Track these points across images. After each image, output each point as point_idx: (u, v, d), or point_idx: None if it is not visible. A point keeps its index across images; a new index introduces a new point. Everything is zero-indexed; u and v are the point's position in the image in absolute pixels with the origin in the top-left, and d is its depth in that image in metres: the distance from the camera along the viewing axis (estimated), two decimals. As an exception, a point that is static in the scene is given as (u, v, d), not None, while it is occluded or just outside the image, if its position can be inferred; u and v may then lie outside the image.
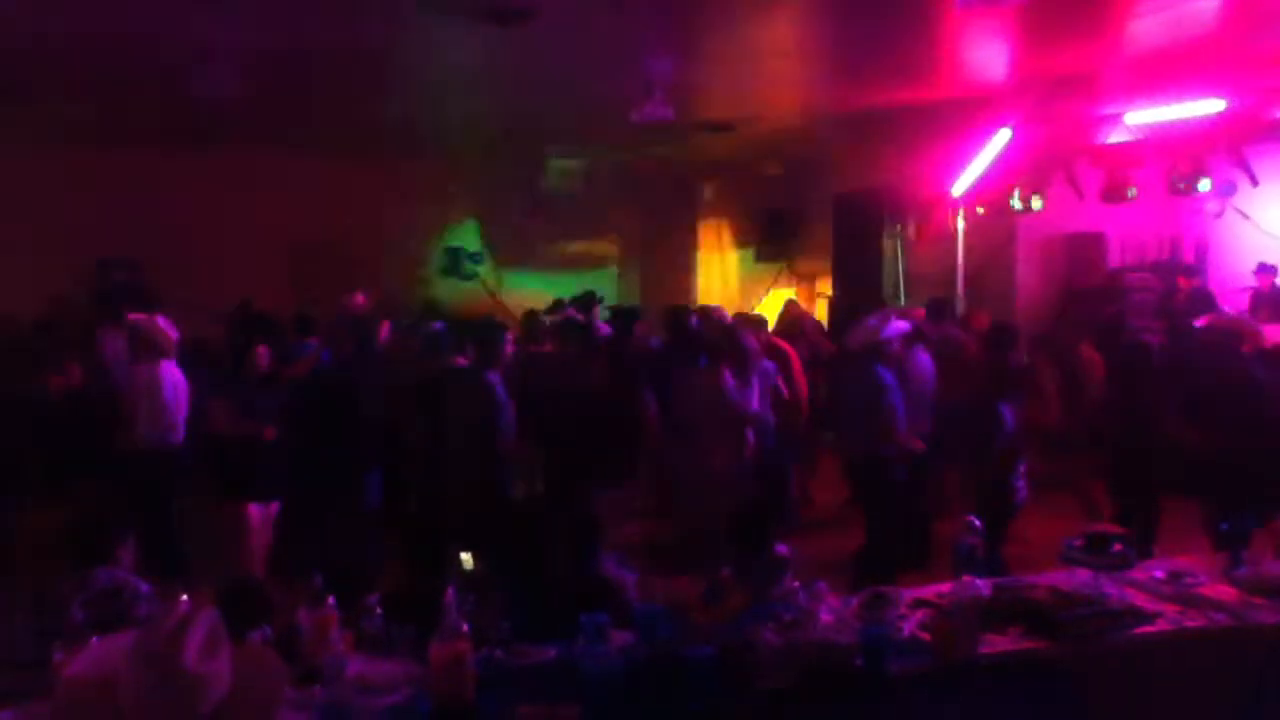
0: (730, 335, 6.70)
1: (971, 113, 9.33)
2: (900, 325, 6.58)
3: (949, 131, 9.91)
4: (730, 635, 3.26)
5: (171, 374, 6.29)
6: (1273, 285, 9.88)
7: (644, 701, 2.98)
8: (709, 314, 8.12)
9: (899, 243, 11.70)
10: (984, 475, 5.83)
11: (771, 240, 13.62)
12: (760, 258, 13.72)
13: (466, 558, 5.09)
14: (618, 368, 7.22)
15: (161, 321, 6.39)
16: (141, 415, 6.06)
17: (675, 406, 6.65)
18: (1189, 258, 10.80)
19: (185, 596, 2.86)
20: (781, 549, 3.58)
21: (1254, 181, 9.02)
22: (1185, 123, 8.49)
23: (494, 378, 5.95)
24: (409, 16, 6.28)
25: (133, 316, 6.58)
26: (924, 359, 7.06)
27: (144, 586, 3.09)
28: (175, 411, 6.23)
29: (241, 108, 7.71)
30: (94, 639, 2.71)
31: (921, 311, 8.16)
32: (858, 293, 11.13)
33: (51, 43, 6.72)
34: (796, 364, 7.50)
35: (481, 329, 6.33)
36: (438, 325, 8.01)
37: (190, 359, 6.80)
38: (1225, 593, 3.81)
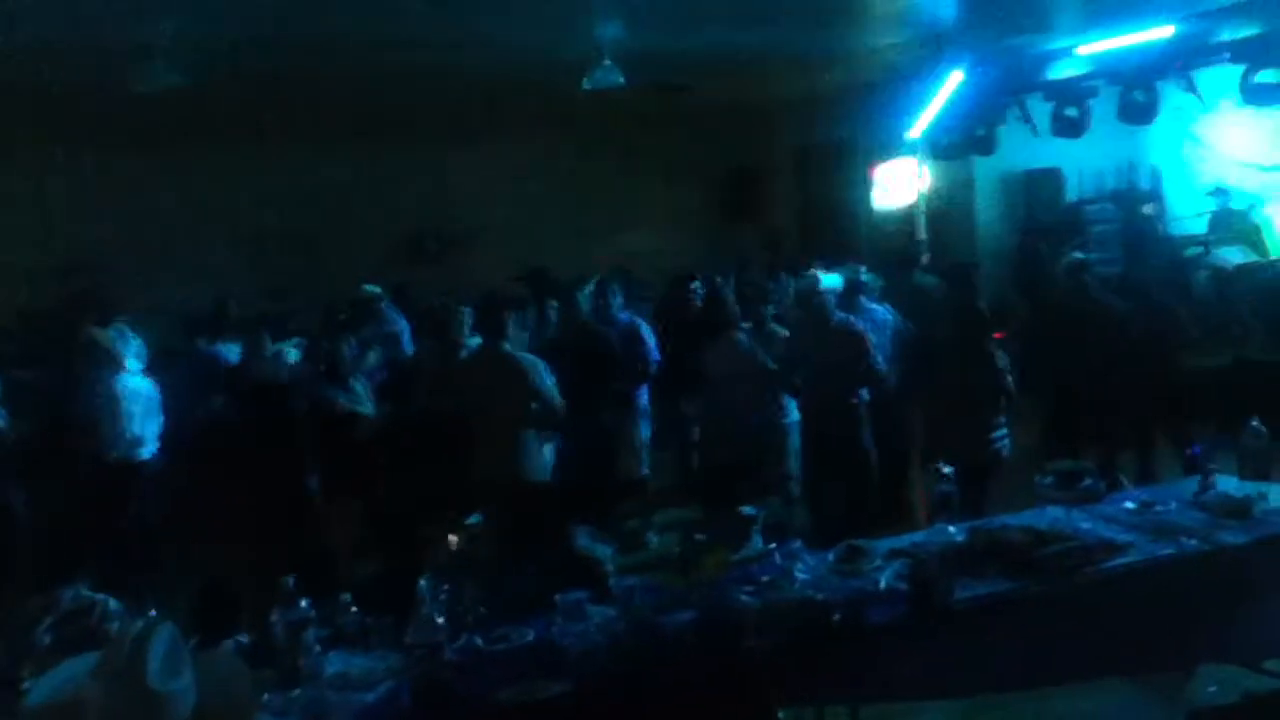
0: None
1: (925, 55, 9.30)
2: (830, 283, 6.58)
3: (904, 76, 9.89)
4: (708, 600, 3.27)
5: (134, 385, 6.13)
6: (1227, 207, 9.95)
7: (626, 675, 2.98)
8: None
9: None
10: (965, 425, 5.57)
11: (734, 198, 13.56)
12: (723, 216, 13.65)
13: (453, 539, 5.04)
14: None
15: (122, 330, 6.25)
16: (104, 429, 5.94)
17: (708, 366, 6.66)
18: (1146, 185, 10.85)
19: (153, 611, 2.82)
20: (749, 509, 3.58)
21: (1203, 103, 9.05)
22: (1136, 50, 8.49)
23: (512, 352, 5.64)
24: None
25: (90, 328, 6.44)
26: (875, 310, 7.07)
27: (113, 603, 3.05)
28: (140, 425, 6.08)
29: (193, 101, 7.56)
30: (61, 662, 2.67)
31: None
32: (823, 246, 11.10)
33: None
34: None
35: (487, 303, 6.10)
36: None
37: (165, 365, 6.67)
38: (1195, 518, 3.86)
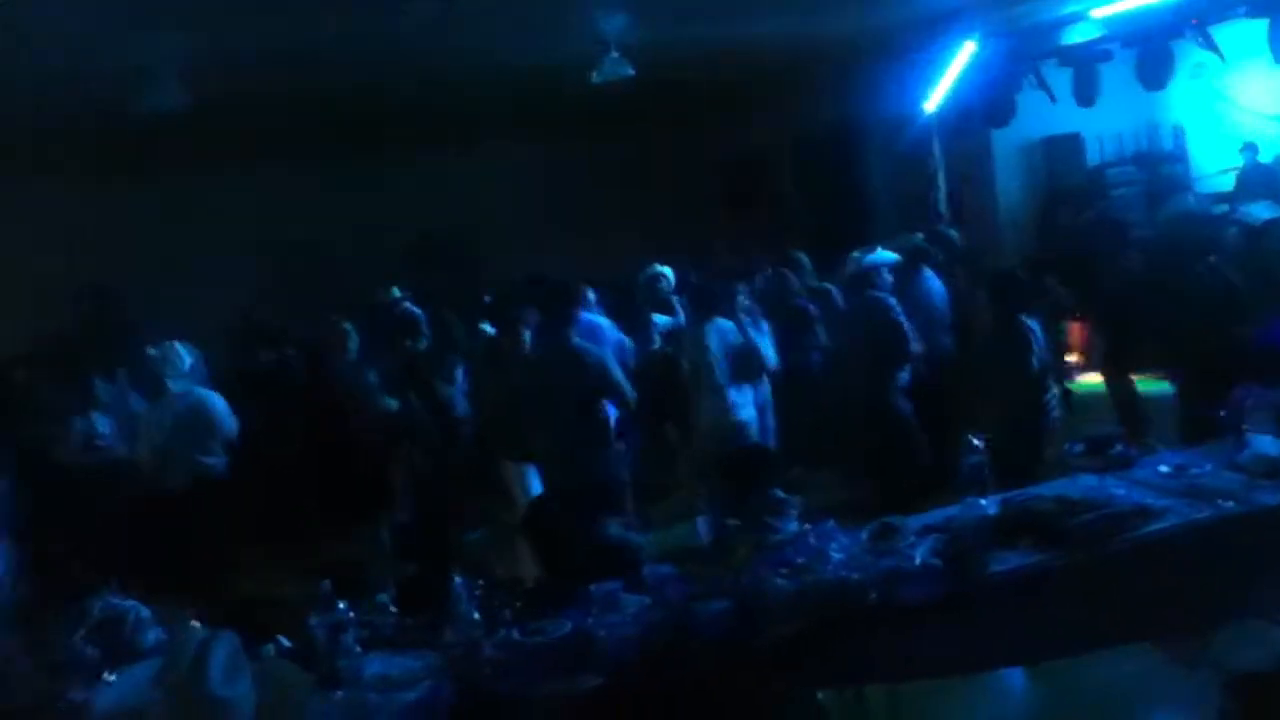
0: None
1: (936, 29, 9.22)
2: (886, 254, 6.55)
3: (916, 50, 9.81)
4: (742, 586, 3.27)
5: (182, 406, 5.88)
6: (1255, 163, 9.80)
7: (662, 664, 2.99)
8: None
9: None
10: (1015, 396, 5.52)
11: (737, 189, 13.46)
12: (727, 207, 13.53)
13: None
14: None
15: (167, 348, 6.00)
16: (146, 456, 5.85)
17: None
18: (1168, 146, 10.71)
19: (196, 621, 2.86)
20: (780, 492, 3.58)
21: (1222, 59, 8.92)
22: (1149, 11, 8.37)
23: (575, 340, 5.47)
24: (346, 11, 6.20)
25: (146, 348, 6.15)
26: (932, 279, 7.02)
27: (144, 611, 3.09)
28: (193, 445, 5.83)
29: (198, 120, 7.61)
30: (109, 674, 2.72)
31: None
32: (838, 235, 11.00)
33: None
34: None
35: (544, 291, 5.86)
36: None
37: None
38: (1231, 479, 3.81)
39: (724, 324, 6.11)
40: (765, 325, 6.48)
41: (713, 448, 5.77)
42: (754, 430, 6.10)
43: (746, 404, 6.09)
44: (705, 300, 6.33)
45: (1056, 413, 5.65)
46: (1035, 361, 5.43)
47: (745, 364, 6.09)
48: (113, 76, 6.57)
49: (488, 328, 7.26)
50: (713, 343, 6.01)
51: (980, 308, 6.50)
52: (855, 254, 6.61)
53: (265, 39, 6.64)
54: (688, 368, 6.25)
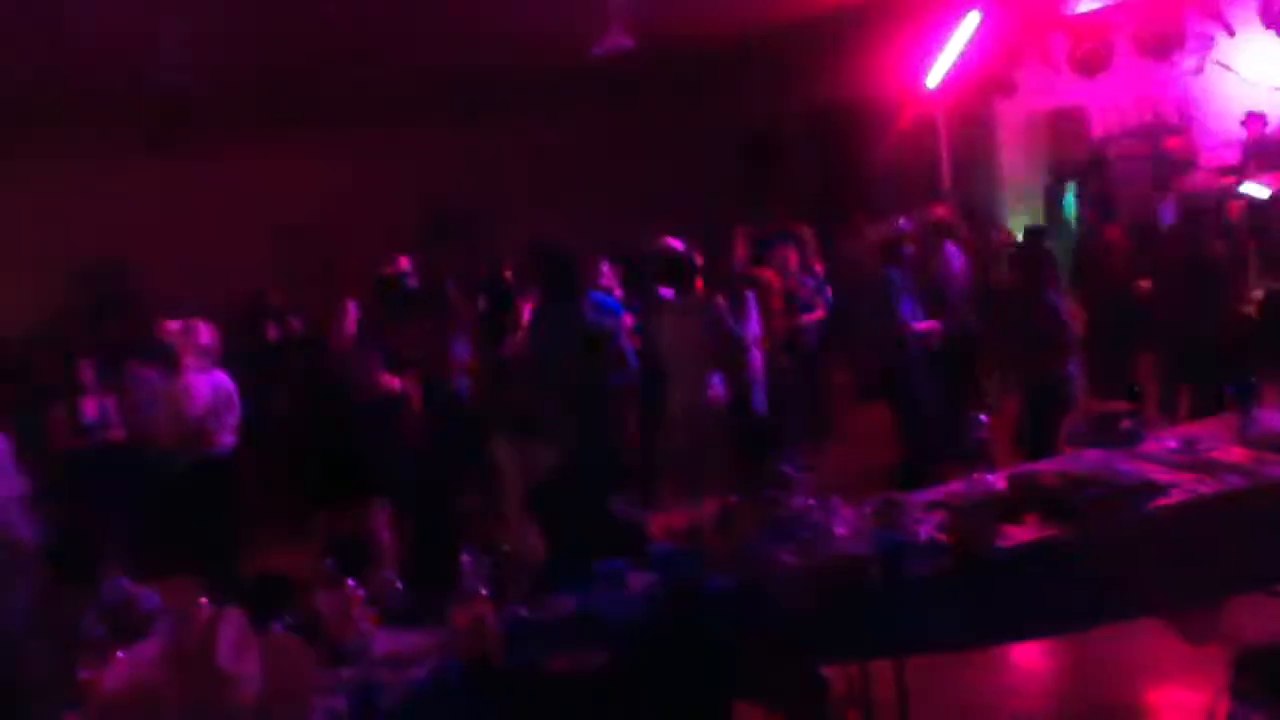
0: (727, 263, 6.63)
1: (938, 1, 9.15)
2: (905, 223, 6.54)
3: (918, 24, 9.71)
4: (747, 562, 3.27)
5: (202, 383, 5.96)
6: (1262, 134, 9.71)
7: (668, 640, 2.99)
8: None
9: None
10: (1036, 370, 5.59)
11: (752, 165, 13.38)
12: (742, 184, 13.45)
13: None
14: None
15: (202, 327, 6.08)
16: (164, 431, 5.89)
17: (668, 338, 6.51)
18: (1172, 118, 10.62)
19: (205, 599, 2.86)
20: (788, 468, 3.57)
21: (1230, 32, 8.84)
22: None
23: (588, 314, 5.34)
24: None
25: (167, 326, 6.18)
26: (952, 251, 7.01)
27: (154, 598, 3.09)
28: (207, 421, 5.91)
29: (210, 97, 7.57)
30: (118, 652, 2.72)
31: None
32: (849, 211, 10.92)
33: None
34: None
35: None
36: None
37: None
38: (1238, 454, 3.79)
39: (697, 299, 6.08)
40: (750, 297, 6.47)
41: (687, 425, 5.76)
42: (724, 408, 6.06)
43: (716, 383, 6.03)
44: (687, 275, 6.28)
45: (1077, 385, 5.67)
46: (1064, 332, 5.43)
47: (723, 341, 6.04)
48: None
49: (492, 300, 7.25)
50: (688, 320, 5.99)
51: (997, 280, 6.49)
52: (877, 225, 6.62)
53: (272, 16, 6.61)
54: (669, 344, 6.22)
